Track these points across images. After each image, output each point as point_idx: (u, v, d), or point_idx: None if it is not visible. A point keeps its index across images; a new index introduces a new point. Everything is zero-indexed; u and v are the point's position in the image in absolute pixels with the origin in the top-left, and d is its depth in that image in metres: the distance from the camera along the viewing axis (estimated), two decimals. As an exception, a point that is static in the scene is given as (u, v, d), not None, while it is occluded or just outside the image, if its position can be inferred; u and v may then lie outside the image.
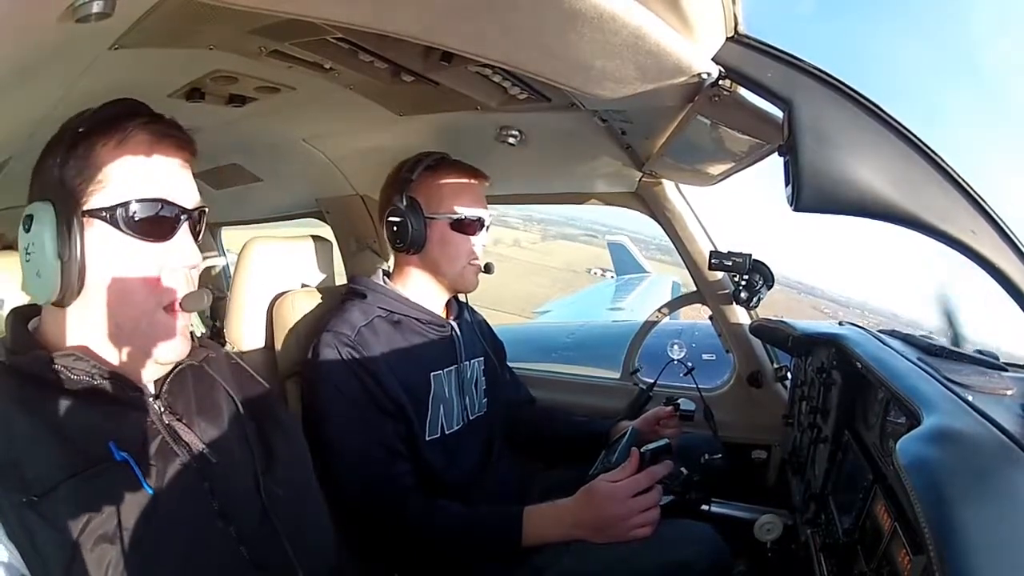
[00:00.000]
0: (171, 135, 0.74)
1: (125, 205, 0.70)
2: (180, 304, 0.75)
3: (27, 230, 0.71)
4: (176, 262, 0.74)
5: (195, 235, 0.78)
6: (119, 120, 0.72)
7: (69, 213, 0.69)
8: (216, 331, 2.50)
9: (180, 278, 0.75)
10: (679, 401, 1.46)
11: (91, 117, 0.73)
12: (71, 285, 0.69)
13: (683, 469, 1.15)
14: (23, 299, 0.77)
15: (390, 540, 1.10)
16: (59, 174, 0.71)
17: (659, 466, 1.06)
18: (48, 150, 0.73)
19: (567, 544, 1.06)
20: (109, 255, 0.71)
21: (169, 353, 0.76)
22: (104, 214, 0.70)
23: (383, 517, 1.10)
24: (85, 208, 0.70)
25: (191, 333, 0.82)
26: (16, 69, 0.73)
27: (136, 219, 0.71)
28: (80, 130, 0.72)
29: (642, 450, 1.09)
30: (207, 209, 0.79)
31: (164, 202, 0.73)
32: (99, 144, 0.71)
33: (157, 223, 0.72)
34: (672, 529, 1.08)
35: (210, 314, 2.61)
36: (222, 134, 1.46)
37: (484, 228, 1.32)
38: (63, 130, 0.73)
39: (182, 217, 0.75)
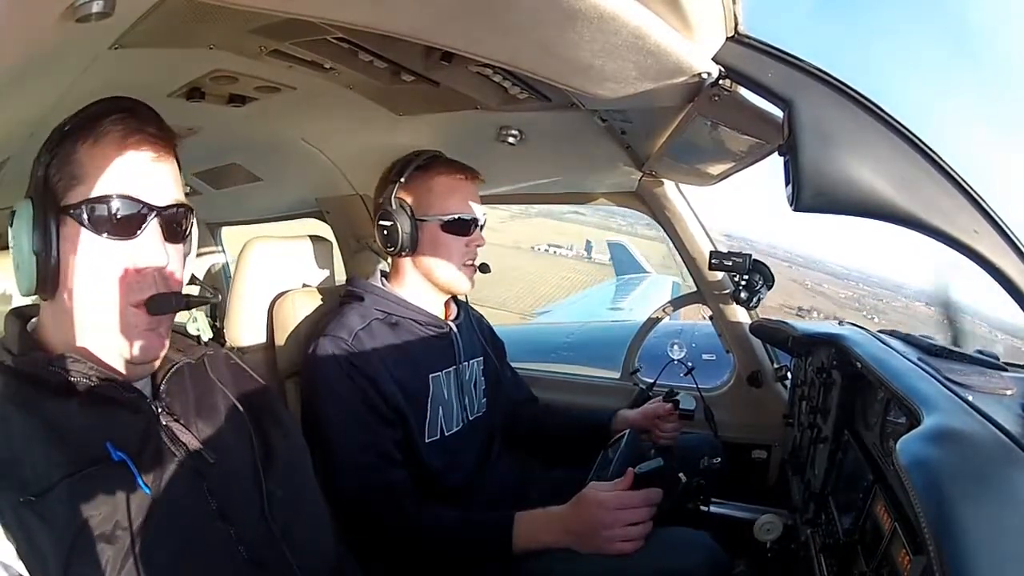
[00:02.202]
0: (142, 130, 0.72)
1: (91, 202, 0.70)
2: (146, 306, 0.73)
3: (10, 225, 0.72)
4: (142, 262, 0.72)
5: (175, 234, 0.76)
6: (97, 117, 0.72)
7: (46, 210, 0.70)
8: (216, 331, 2.49)
9: (148, 279, 0.73)
10: (678, 398, 1.45)
11: (75, 115, 0.73)
12: (46, 280, 0.70)
13: (681, 475, 1.15)
14: (25, 297, 0.77)
15: (385, 544, 1.10)
16: (43, 172, 0.72)
17: (653, 492, 1.07)
18: (40, 149, 0.74)
19: (563, 550, 1.06)
20: (80, 252, 0.71)
21: (140, 352, 0.74)
22: (73, 211, 0.70)
23: (377, 521, 1.10)
24: (62, 205, 0.70)
25: (197, 336, 0.82)
26: (16, 69, 0.73)
27: (100, 216, 0.70)
28: (65, 128, 0.72)
29: (636, 470, 1.10)
30: (190, 207, 0.77)
31: (127, 199, 0.71)
32: (79, 143, 0.71)
33: (122, 221, 0.71)
34: (670, 537, 1.08)
35: (210, 314, 2.61)
36: (222, 134, 1.46)
37: (478, 228, 1.30)
38: (53, 129, 0.73)
39: (149, 215, 0.72)
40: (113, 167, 0.71)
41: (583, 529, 1.04)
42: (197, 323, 0.86)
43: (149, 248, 0.73)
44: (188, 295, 0.76)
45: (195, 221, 0.80)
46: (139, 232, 0.72)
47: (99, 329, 0.73)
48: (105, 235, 0.71)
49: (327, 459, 1.09)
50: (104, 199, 0.70)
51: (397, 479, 1.14)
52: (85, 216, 0.70)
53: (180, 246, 0.77)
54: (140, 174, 0.73)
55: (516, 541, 1.07)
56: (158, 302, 0.73)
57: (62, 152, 0.71)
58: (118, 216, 0.71)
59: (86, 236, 0.70)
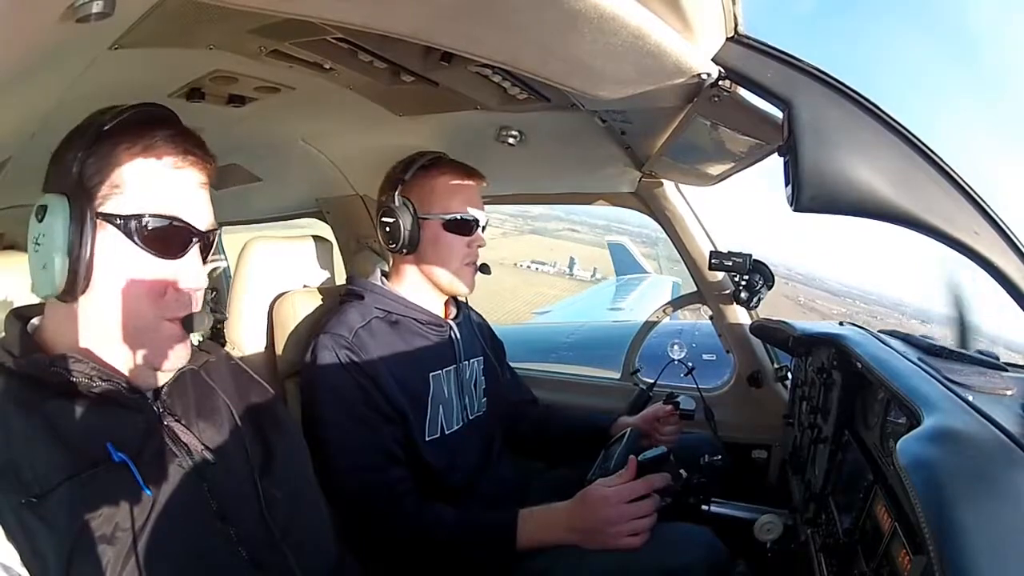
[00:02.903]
0: (194, 153, 0.75)
1: (140, 217, 0.71)
2: (183, 324, 0.75)
3: (39, 220, 0.70)
4: (183, 283, 0.75)
5: (206, 254, 0.79)
6: (146, 126, 0.72)
7: (83, 212, 0.69)
8: (216, 332, 2.50)
9: (185, 298, 0.75)
10: (679, 399, 1.46)
11: (118, 117, 0.72)
12: (76, 282, 0.69)
13: (683, 471, 1.15)
14: (25, 298, 0.77)
15: (387, 543, 1.10)
16: (78, 169, 0.70)
17: (656, 476, 1.07)
18: (69, 142, 0.72)
19: (566, 547, 1.06)
20: (118, 261, 0.71)
21: (170, 361, 0.77)
22: (118, 221, 0.70)
23: (378, 521, 1.10)
24: (100, 210, 0.70)
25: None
26: (16, 69, 0.72)
27: (149, 234, 0.71)
28: (105, 128, 0.71)
29: (639, 458, 1.09)
30: (219, 230, 0.81)
31: (179, 222, 0.73)
32: (122, 147, 0.71)
33: (169, 241, 0.73)
34: (671, 533, 1.08)
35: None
36: (222, 134, 1.46)
37: (480, 228, 1.31)
38: (87, 124, 0.73)
39: (194, 239, 0.75)
40: (165, 187, 0.73)
41: (588, 526, 1.04)
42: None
43: (190, 270, 0.75)
44: (215, 313, 0.78)
45: None
46: (183, 254, 0.74)
47: (127, 338, 0.74)
48: (149, 252, 0.72)
49: (328, 458, 1.09)
50: (156, 218, 0.72)
51: (398, 477, 1.14)
52: (133, 229, 0.71)
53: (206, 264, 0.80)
54: (190, 199, 0.75)
55: (519, 539, 1.07)
56: (195, 320, 0.76)
57: (101, 152, 0.71)
58: (166, 237, 0.73)
59: (129, 248, 0.71)
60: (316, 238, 1.52)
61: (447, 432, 1.25)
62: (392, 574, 1.10)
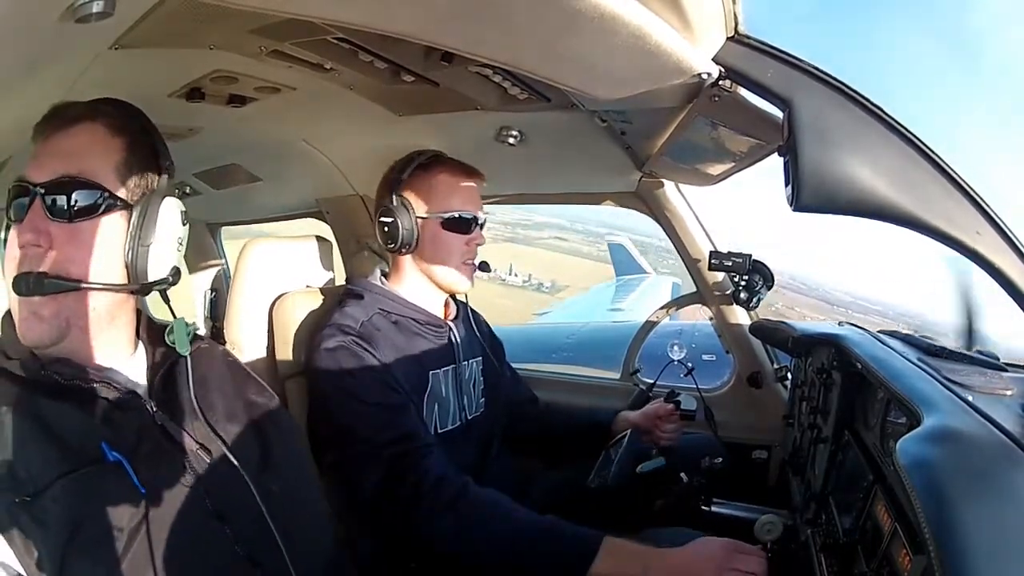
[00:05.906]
0: (48, 120, 0.75)
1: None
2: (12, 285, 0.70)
3: None
4: (22, 241, 0.70)
5: (60, 210, 0.71)
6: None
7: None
8: (216, 331, 2.49)
9: (20, 258, 0.70)
10: (679, 398, 1.45)
11: None
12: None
13: (683, 475, 1.15)
14: None
15: (413, 533, 1.02)
16: None
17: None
18: None
19: None
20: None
21: (23, 336, 0.71)
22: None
23: (406, 507, 1.02)
24: None
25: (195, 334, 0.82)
26: (17, 69, 0.73)
27: (10, 206, 0.72)
28: None
29: (638, 470, 1.09)
30: (83, 179, 0.72)
31: (18, 183, 0.72)
32: None
33: (13, 205, 0.72)
34: (671, 537, 1.07)
35: (210, 314, 2.61)
36: (222, 134, 1.46)
37: (478, 226, 1.30)
38: None
39: (29, 195, 0.71)
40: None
41: (678, 563, 0.94)
42: (173, 335, 0.79)
43: (26, 227, 0.70)
44: (44, 273, 0.69)
45: (94, 194, 0.73)
46: (25, 214, 0.71)
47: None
48: (10, 223, 0.72)
49: (345, 449, 1.07)
50: (10, 190, 0.73)
51: (433, 460, 1.07)
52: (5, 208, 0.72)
53: (74, 225, 0.71)
54: (33, 157, 0.74)
55: (596, 566, 0.95)
56: (16, 282, 0.69)
57: None
58: (12, 201, 0.72)
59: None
60: (316, 238, 1.52)
61: (440, 431, 1.24)
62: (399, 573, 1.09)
